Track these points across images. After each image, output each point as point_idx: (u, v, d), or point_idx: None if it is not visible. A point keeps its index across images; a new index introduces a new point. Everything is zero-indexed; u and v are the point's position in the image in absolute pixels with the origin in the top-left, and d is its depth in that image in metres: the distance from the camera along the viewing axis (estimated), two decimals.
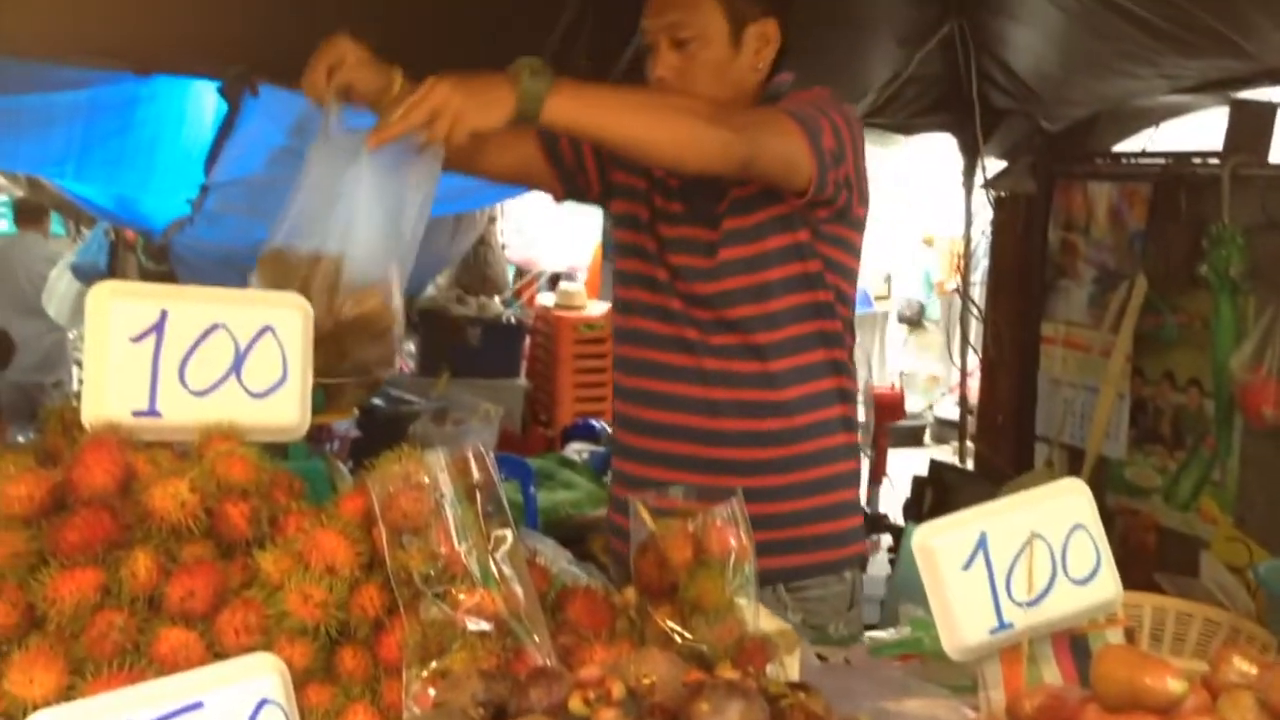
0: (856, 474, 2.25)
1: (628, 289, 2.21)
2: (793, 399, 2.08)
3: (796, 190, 1.93)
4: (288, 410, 1.40)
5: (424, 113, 1.59)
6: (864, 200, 2.08)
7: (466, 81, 1.63)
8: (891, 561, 4.71)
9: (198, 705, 1.00)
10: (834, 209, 2.01)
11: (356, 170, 1.69)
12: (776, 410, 2.08)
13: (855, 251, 2.13)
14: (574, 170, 2.22)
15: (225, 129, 3.18)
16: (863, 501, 5.27)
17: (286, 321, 1.40)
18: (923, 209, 5.15)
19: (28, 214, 6.81)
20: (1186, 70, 3.38)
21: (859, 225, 2.11)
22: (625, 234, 2.20)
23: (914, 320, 9.78)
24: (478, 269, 6.45)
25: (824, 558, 2.14)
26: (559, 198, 2.31)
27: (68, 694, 1.08)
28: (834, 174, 1.94)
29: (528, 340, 6.35)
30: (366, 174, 1.69)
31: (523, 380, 6.13)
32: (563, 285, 6.91)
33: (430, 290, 6.36)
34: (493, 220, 6.58)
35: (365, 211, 1.69)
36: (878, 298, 9.94)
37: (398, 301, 1.75)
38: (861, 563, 2.25)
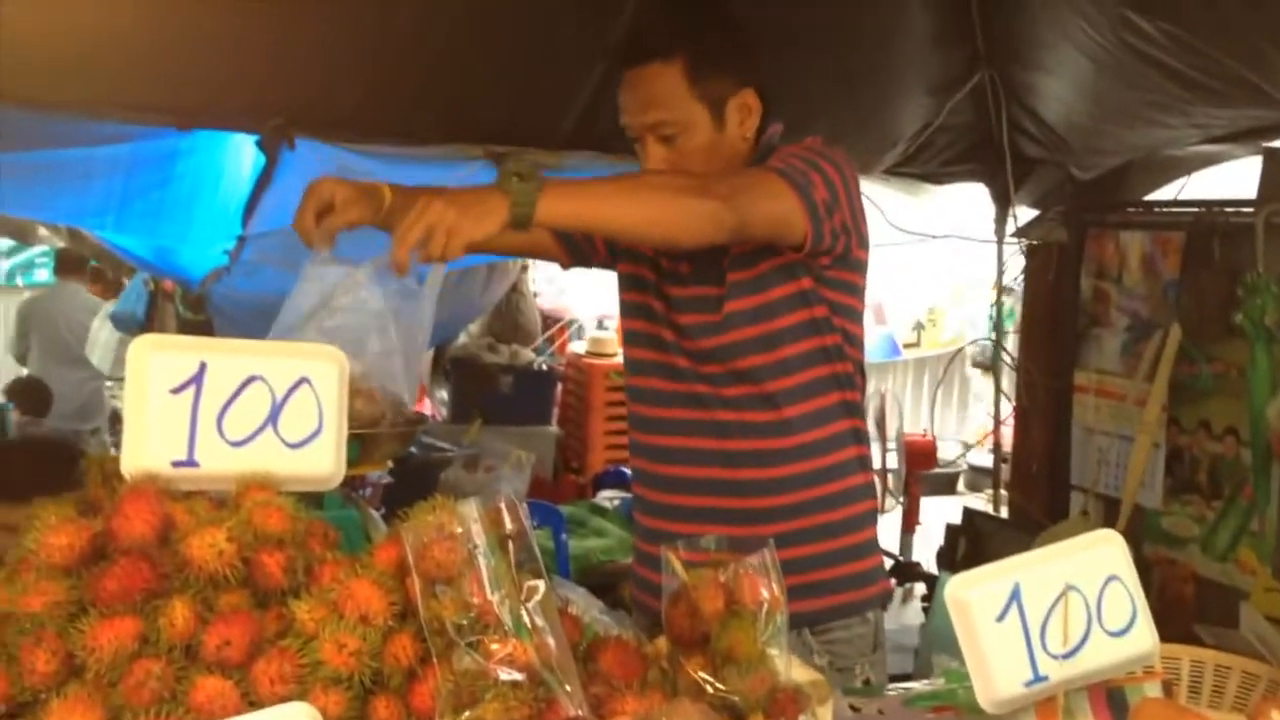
0: (875, 513, 2.25)
1: (634, 348, 2.25)
2: (809, 443, 2.10)
3: (793, 246, 1.97)
4: (323, 460, 1.42)
5: (420, 232, 1.62)
6: (863, 243, 2.11)
7: (459, 196, 1.68)
8: (925, 610, 4.66)
9: None
10: (834, 255, 2.04)
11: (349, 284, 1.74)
12: (793, 456, 2.10)
13: (859, 293, 2.16)
14: (580, 240, 2.26)
15: (262, 181, 3.24)
16: (895, 549, 5.27)
17: (323, 373, 1.42)
18: (955, 258, 5.14)
19: (68, 264, 6.93)
20: (1218, 119, 3.38)
21: (861, 268, 2.14)
22: (631, 295, 2.24)
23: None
24: (510, 317, 6.49)
25: (848, 599, 2.14)
26: (565, 266, 2.37)
27: None
28: (829, 224, 1.96)
29: (559, 387, 6.37)
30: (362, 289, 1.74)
31: (554, 427, 6.15)
32: (594, 333, 6.95)
33: (462, 338, 6.41)
34: (525, 269, 6.62)
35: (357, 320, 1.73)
36: (906, 345, 9.89)
37: (395, 394, 1.79)
38: (884, 601, 2.26)
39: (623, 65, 2.07)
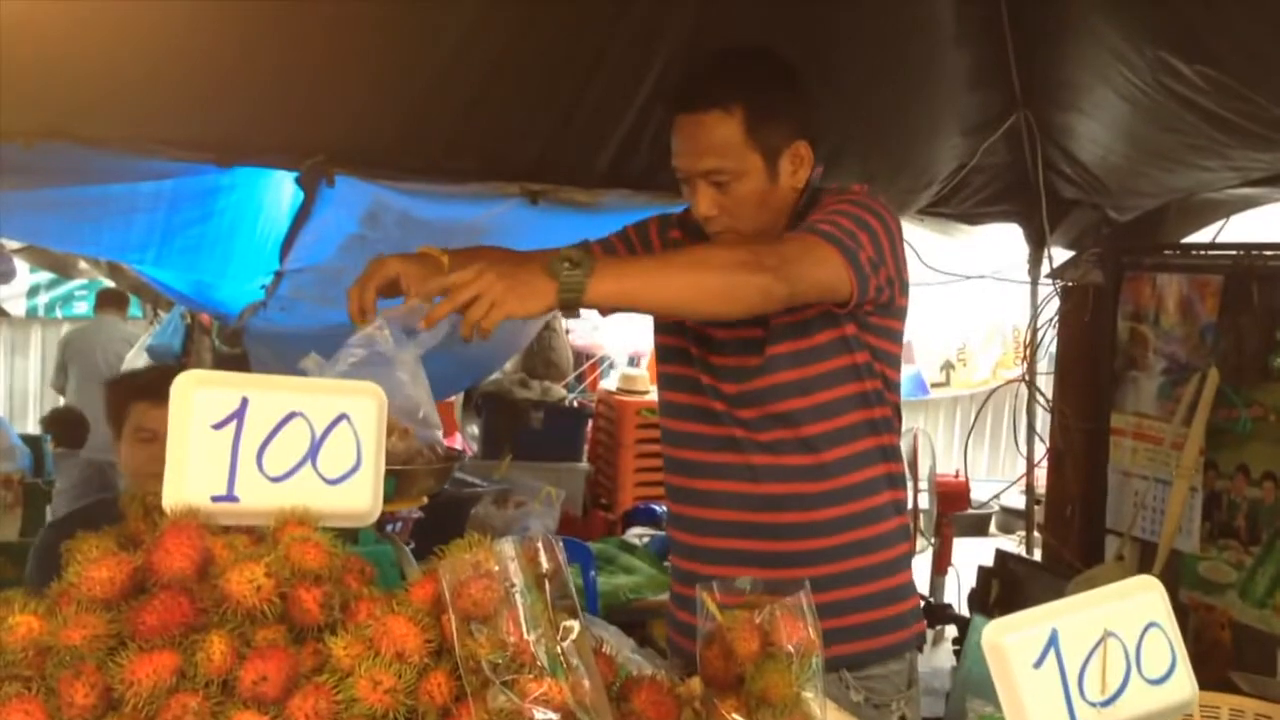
0: (910, 555, 2.27)
1: (671, 392, 2.26)
2: (846, 486, 2.11)
3: (839, 304, 1.98)
4: (361, 496, 1.43)
5: (467, 295, 1.64)
6: (904, 290, 2.12)
7: (512, 271, 1.69)
8: (956, 653, 4.61)
9: None
10: (878, 304, 2.05)
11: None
12: (831, 499, 2.10)
13: (899, 339, 2.17)
14: None
15: (301, 217, 3.27)
16: (926, 591, 5.22)
17: (362, 410, 1.43)
18: (985, 297, 5.13)
19: (107, 297, 7.04)
20: (1257, 163, 3.37)
21: (902, 314, 2.16)
22: (669, 339, 2.25)
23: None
24: (542, 354, 6.51)
25: (886, 642, 2.14)
26: (604, 313, 2.35)
27: None
28: (875, 280, 1.98)
29: (590, 424, 6.37)
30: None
31: (584, 464, 6.14)
32: (625, 370, 6.95)
33: (495, 374, 6.43)
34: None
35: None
36: (934, 385, 9.86)
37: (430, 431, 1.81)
38: (920, 643, 2.26)
39: (678, 109, 2.07)
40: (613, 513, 5.84)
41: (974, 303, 5.65)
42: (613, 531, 5.44)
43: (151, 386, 2.36)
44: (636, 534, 5.16)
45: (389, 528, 3.73)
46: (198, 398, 1.33)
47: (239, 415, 1.34)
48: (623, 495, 5.96)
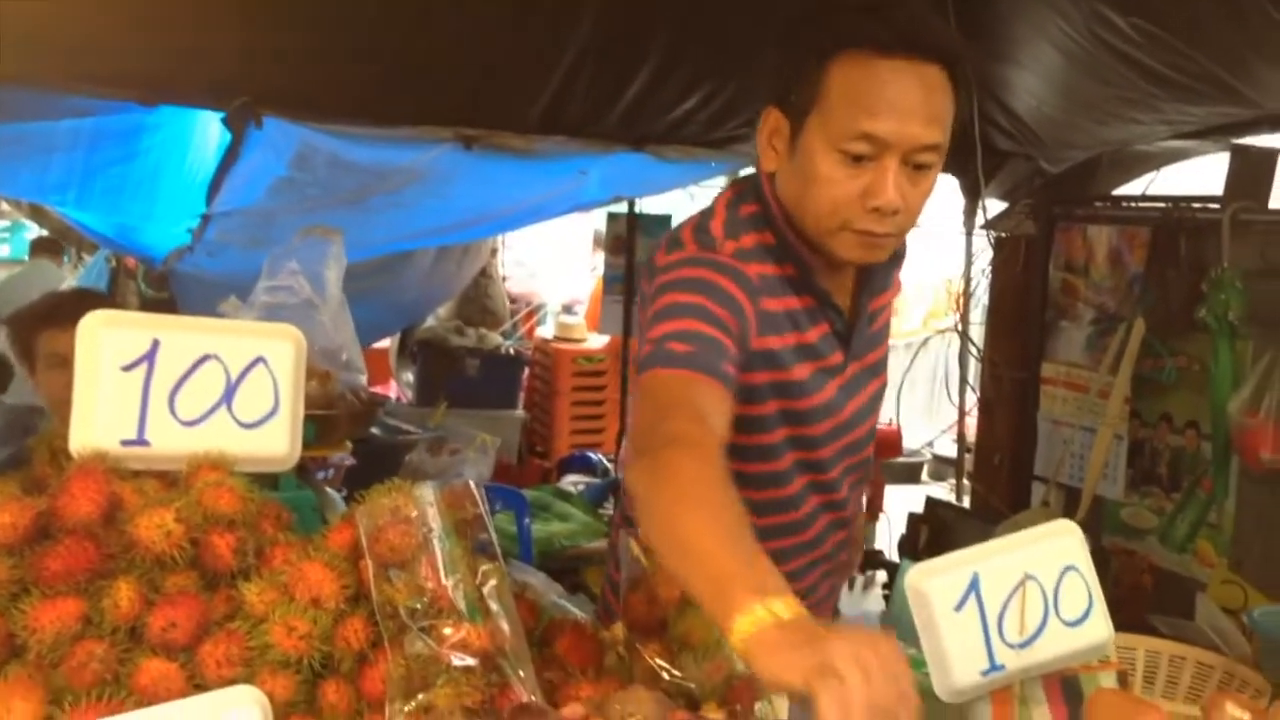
0: None
1: None
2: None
3: None
4: (278, 441, 1.40)
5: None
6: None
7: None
8: (885, 598, 4.68)
9: None
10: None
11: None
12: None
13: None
14: None
15: (228, 159, 3.19)
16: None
17: (279, 353, 1.40)
18: (922, 249, 5.17)
19: (41, 244, 6.93)
20: (1188, 116, 3.39)
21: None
22: None
23: None
24: (478, 301, 6.46)
25: None
26: None
27: None
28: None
29: (526, 372, 6.35)
30: None
31: (520, 411, 6.13)
32: (562, 318, 6.92)
33: (430, 321, 6.37)
34: (494, 252, 6.59)
35: None
36: None
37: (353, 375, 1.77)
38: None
39: (886, 48, 1.51)
40: (548, 460, 5.84)
41: (909, 254, 5.68)
42: (548, 479, 5.44)
43: (55, 313, 2.31)
44: (571, 481, 5.17)
45: (320, 475, 3.69)
46: (105, 339, 1.29)
47: (149, 357, 1.30)
48: (558, 443, 5.97)
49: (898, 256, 1.85)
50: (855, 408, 1.81)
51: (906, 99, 1.51)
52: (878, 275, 1.79)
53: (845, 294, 1.76)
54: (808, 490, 1.80)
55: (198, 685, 1.13)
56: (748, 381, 1.62)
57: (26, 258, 7.29)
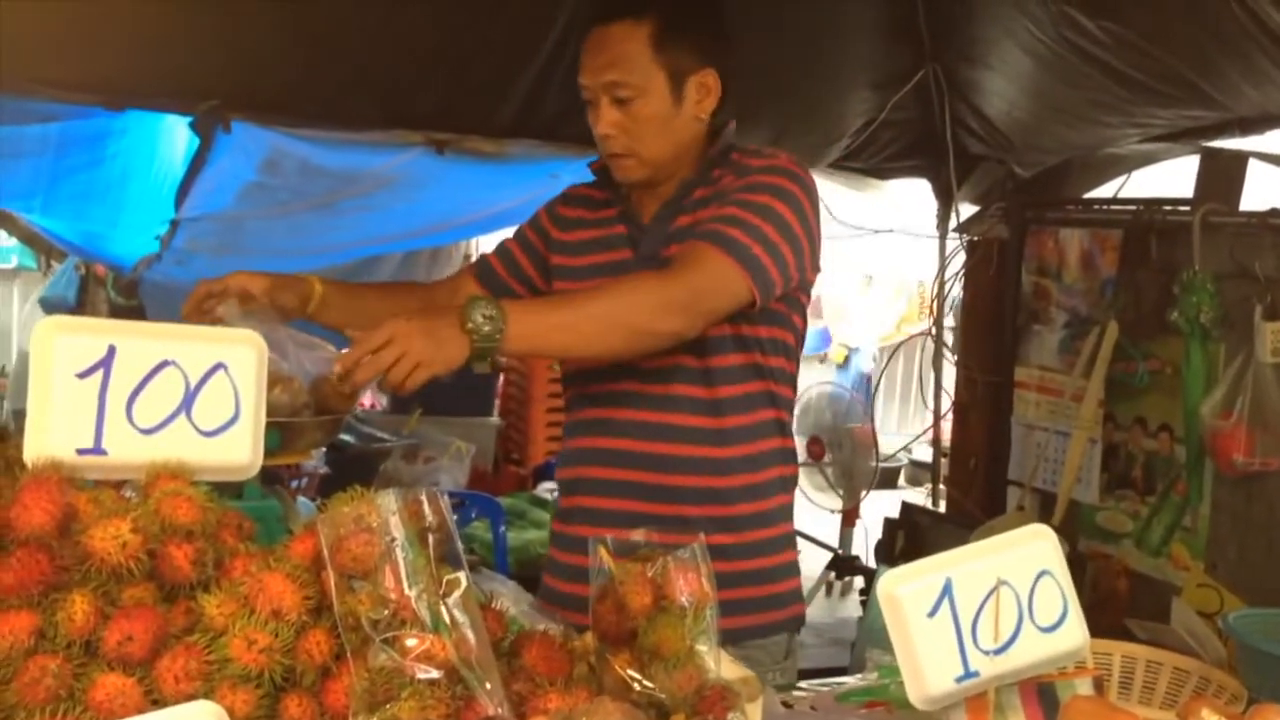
0: (794, 537, 2.24)
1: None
2: (745, 456, 2.09)
3: (743, 310, 1.98)
4: (239, 449, 1.37)
5: (390, 358, 1.63)
6: (815, 267, 2.11)
7: (425, 327, 1.66)
8: (863, 604, 4.67)
9: None
10: (785, 293, 2.05)
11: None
12: (731, 468, 2.08)
13: (802, 309, 2.16)
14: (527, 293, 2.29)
15: (196, 164, 3.16)
16: (835, 542, 5.28)
17: (240, 359, 1.37)
18: (896, 252, 5.18)
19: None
20: (1158, 119, 3.41)
21: (807, 287, 2.14)
22: None
23: None
24: None
25: (764, 620, 2.12)
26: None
27: None
28: (780, 278, 1.98)
29: (501, 378, 6.31)
30: None
31: (495, 418, 6.09)
32: None
33: None
34: (467, 257, 6.55)
35: None
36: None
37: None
38: (798, 625, 2.21)
39: (592, 22, 2.06)
40: (524, 467, 5.81)
41: (879, 257, 5.69)
42: (524, 486, 5.41)
43: None
44: (548, 489, 5.13)
45: (294, 483, 3.65)
46: (59, 345, 1.26)
47: (105, 364, 1.27)
48: (534, 450, 5.92)
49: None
50: None
51: (591, 55, 2.04)
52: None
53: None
54: None
55: (155, 700, 1.10)
56: None
57: None
